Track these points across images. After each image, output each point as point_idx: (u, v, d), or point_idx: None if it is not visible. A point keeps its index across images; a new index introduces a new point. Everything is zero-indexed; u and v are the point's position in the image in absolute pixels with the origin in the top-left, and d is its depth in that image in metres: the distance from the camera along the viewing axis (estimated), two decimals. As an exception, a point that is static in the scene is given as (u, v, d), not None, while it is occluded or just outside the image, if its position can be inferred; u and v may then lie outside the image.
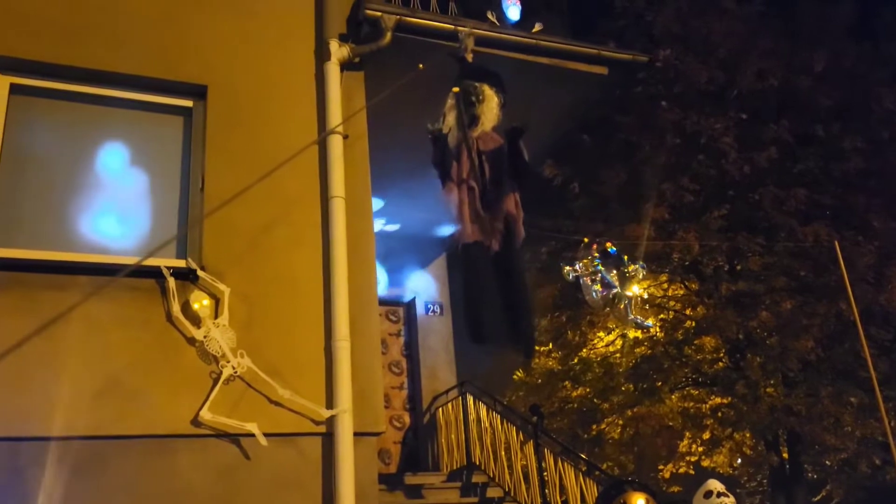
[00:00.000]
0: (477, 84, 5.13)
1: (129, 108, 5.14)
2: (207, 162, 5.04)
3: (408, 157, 7.55)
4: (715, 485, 4.12)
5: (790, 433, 12.84)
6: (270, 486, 4.50)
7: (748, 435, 14.11)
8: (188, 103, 5.26)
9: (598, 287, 6.04)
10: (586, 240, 6.79)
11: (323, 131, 5.29)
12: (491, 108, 5.13)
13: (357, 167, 5.41)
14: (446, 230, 9.59)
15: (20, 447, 4.07)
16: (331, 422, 4.64)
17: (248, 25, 5.57)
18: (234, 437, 4.48)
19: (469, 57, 5.34)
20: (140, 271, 4.55)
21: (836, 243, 9.63)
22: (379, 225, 9.39)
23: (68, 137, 5.01)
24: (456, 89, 5.06)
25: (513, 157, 5.06)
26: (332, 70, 5.48)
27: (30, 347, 4.09)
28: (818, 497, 16.44)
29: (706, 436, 14.48)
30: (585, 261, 6.06)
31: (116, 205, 4.92)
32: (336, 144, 5.25)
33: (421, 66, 4.89)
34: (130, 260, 4.66)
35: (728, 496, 4.05)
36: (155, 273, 4.57)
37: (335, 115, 5.32)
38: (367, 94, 5.71)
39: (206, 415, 4.36)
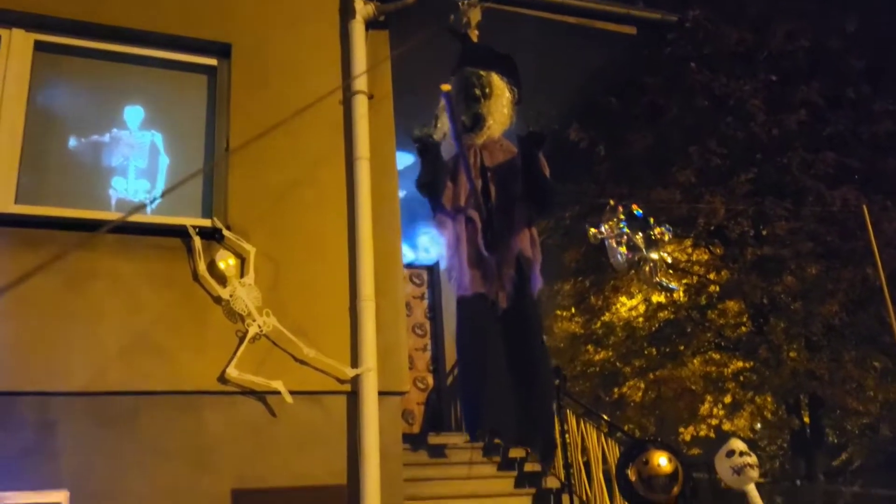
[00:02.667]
0: (483, 73, 4.03)
1: (153, 66, 5.11)
2: (232, 121, 5.02)
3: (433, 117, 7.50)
4: (737, 444, 4.11)
5: (812, 397, 12.83)
6: (296, 443, 4.55)
7: (769, 399, 14.12)
8: (212, 62, 5.23)
9: (623, 249, 5.96)
10: (612, 202, 6.70)
11: (348, 91, 5.24)
12: (501, 105, 3.99)
13: (382, 128, 5.36)
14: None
15: (50, 402, 4.14)
16: (356, 381, 4.67)
17: (272, -18, 5.50)
18: (261, 395, 4.52)
19: (473, 35, 4.28)
20: (166, 230, 4.59)
21: (865, 207, 9.47)
22: (410, 185, 9.36)
23: (94, 95, 5.01)
24: (446, 87, 3.81)
25: (529, 174, 3.86)
26: (357, 28, 5.41)
27: (59, 303, 4.21)
28: (838, 461, 16.44)
29: (727, 399, 14.51)
30: (611, 223, 5.97)
31: (141, 164, 4.93)
32: (361, 104, 5.21)
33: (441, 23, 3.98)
34: (157, 219, 4.70)
35: (750, 455, 4.04)
36: (181, 232, 4.59)
37: (360, 75, 5.26)
38: (393, 53, 5.64)
39: (232, 372, 4.41)
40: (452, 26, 4.18)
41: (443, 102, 3.88)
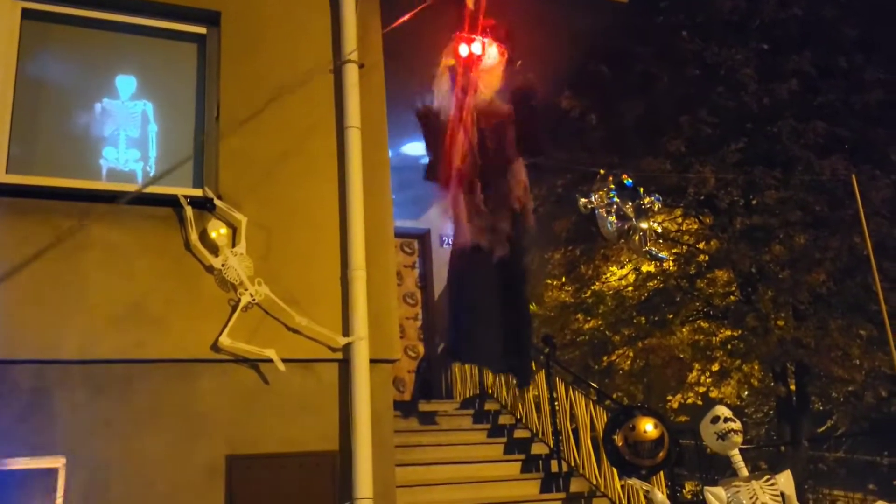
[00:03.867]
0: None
1: (142, 34, 5.09)
2: (222, 90, 5.02)
3: (427, 87, 7.48)
4: (722, 410, 4.21)
5: (798, 365, 12.99)
6: (289, 409, 4.62)
7: (756, 367, 14.29)
8: (202, 30, 5.20)
9: (612, 219, 6.03)
10: (602, 172, 6.75)
11: (338, 59, 5.23)
12: (494, 69, 4.21)
13: (373, 97, 5.36)
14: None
15: (45, 369, 4.19)
16: (347, 349, 4.73)
17: (261, -51, 5.45)
18: (253, 363, 4.58)
19: (470, 3, 4.56)
20: (158, 200, 4.60)
21: (854, 177, 9.53)
22: (401, 155, 9.36)
23: (83, 64, 4.99)
24: (451, 62, 4.11)
25: (524, 127, 4.18)
26: (348, -4, 5.38)
27: (52, 273, 4.23)
28: (823, 428, 16.71)
29: (715, 367, 14.68)
30: (601, 193, 6.03)
31: (132, 133, 4.92)
32: (351, 73, 5.20)
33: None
34: (148, 188, 4.70)
35: (735, 421, 4.13)
36: (172, 202, 4.61)
37: (350, 43, 5.25)
38: (383, 22, 5.61)
39: (225, 340, 4.46)
40: None
41: (442, 68, 4.14)
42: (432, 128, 4.27)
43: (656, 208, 6.18)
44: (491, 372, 5.56)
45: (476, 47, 4.47)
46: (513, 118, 4.16)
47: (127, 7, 5.00)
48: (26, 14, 4.77)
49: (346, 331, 4.76)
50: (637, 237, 6.06)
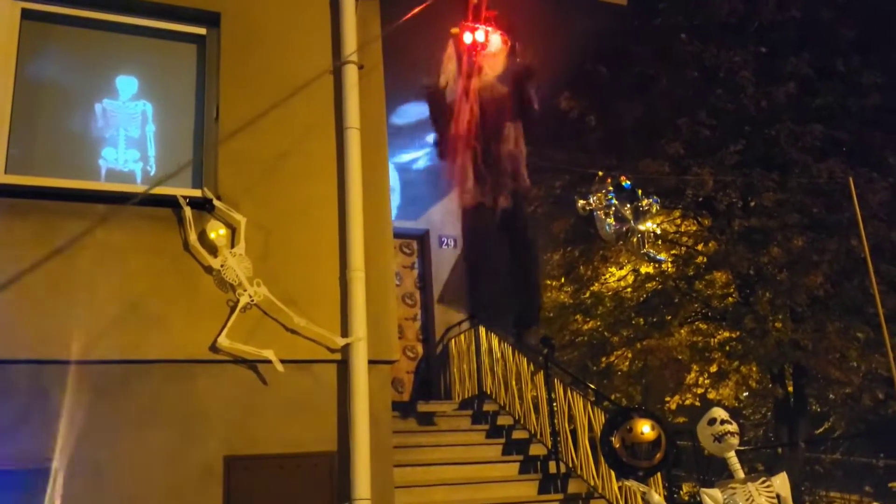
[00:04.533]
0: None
1: (142, 35, 5.10)
2: (222, 91, 5.03)
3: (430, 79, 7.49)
4: (719, 412, 4.21)
5: (796, 367, 13.01)
6: (287, 410, 4.63)
7: (754, 368, 14.31)
8: (202, 31, 5.21)
9: (611, 221, 6.05)
10: (601, 174, 6.77)
11: (338, 61, 5.24)
12: (496, 55, 4.79)
13: (372, 98, 5.37)
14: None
15: (42, 370, 4.19)
16: (346, 349, 4.74)
17: (261, -50, 5.46)
18: (252, 364, 4.59)
19: None
20: (157, 200, 4.60)
21: (851, 179, 9.55)
22: (401, 156, 9.40)
23: (83, 64, 5.00)
24: (455, 30, 4.78)
25: (521, 104, 4.78)
26: (348, -2, 5.40)
27: (50, 273, 4.23)
28: (821, 430, 16.73)
29: (713, 369, 14.69)
30: (600, 194, 6.06)
31: (131, 134, 4.93)
32: (351, 74, 5.21)
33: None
34: (148, 189, 4.71)
35: (731, 423, 4.14)
36: (171, 202, 4.61)
37: (350, 45, 5.26)
38: (383, 23, 5.62)
39: (223, 341, 4.47)
40: None
41: (449, 49, 4.65)
42: (439, 105, 4.84)
43: (654, 210, 6.21)
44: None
45: (480, 35, 4.89)
46: (510, 96, 4.74)
47: (127, 8, 5.01)
48: (26, 14, 4.78)
49: (345, 331, 4.77)
50: (635, 239, 6.09)
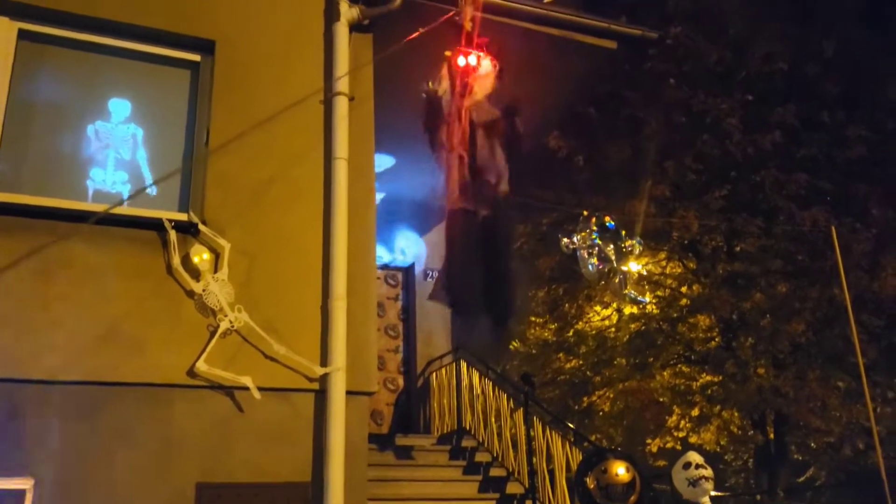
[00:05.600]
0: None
1: (137, 59, 5.14)
2: (213, 117, 5.07)
3: (413, 123, 7.57)
4: (694, 457, 4.22)
5: (777, 414, 13.03)
6: (262, 439, 4.60)
7: (736, 414, 14.31)
8: (196, 57, 5.26)
9: (594, 260, 6.10)
10: (586, 212, 6.83)
11: (329, 92, 5.30)
12: (486, 77, 5.18)
13: (361, 129, 5.43)
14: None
15: (18, 389, 4.16)
16: (324, 379, 4.73)
17: (259, -18, 5.55)
18: (229, 390, 4.56)
19: (468, 25, 5.32)
20: (142, 222, 4.62)
21: (833, 229, 9.67)
22: (388, 188, 9.44)
23: (75, 86, 5.03)
24: (448, 53, 5.18)
25: (507, 129, 5.20)
26: (341, 31, 5.47)
27: (31, 291, 4.22)
28: (802, 478, 16.69)
29: (695, 412, 14.68)
30: (583, 233, 6.11)
31: (121, 156, 4.95)
32: (341, 106, 5.26)
33: (421, 29, 5.01)
34: (133, 211, 4.72)
35: (706, 468, 4.15)
36: (156, 225, 4.62)
37: (342, 76, 5.32)
38: (375, 56, 5.70)
39: (201, 366, 4.45)
40: (454, 18, 5.27)
41: (445, 68, 5.11)
42: (433, 114, 5.25)
43: (637, 251, 6.26)
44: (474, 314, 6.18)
45: (472, 59, 5.33)
46: (498, 115, 5.18)
47: (124, 32, 5.06)
48: (22, 35, 4.82)
49: (325, 361, 4.76)
50: (617, 279, 6.12)
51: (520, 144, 5.39)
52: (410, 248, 10.16)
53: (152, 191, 4.89)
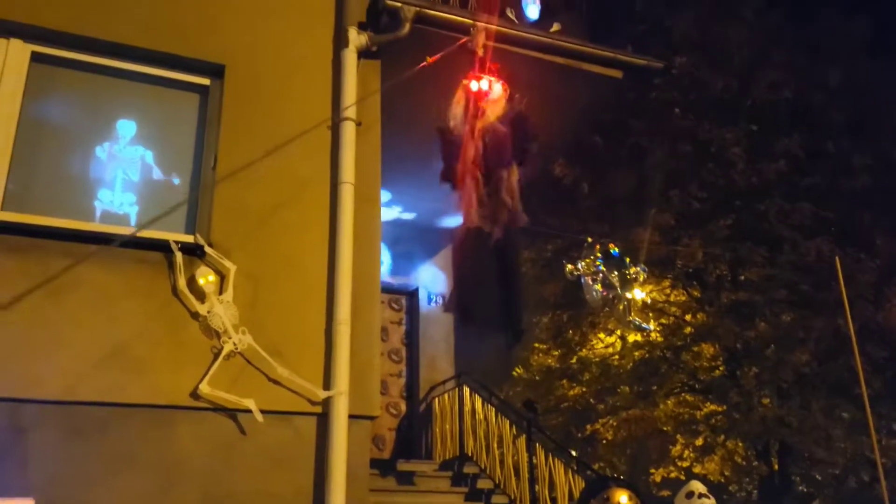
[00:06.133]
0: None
1: (147, 82, 5.20)
2: (221, 141, 5.11)
3: (420, 148, 7.63)
4: (697, 486, 4.19)
5: (781, 444, 12.93)
6: (264, 461, 4.58)
7: (741, 444, 14.21)
8: (206, 81, 5.32)
9: (598, 287, 6.11)
10: (590, 239, 6.86)
11: (337, 117, 5.35)
12: (498, 101, 5.46)
13: (368, 154, 5.47)
14: (453, 222, 9.65)
15: (22, 408, 4.16)
16: (327, 403, 4.72)
17: (270, 8, 5.62)
18: (232, 412, 4.56)
19: (479, 51, 5.55)
20: (149, 244, 4.64)
21: (838, 259, 9.66)
22: (394, 213, 9.50)
23: (86, 108, 5.08)
24: (465, 81, 5.38)
25: (519, 142, 5.48)
26: (350, 57, 5.54)
27: (38, 311, 4.23)
28: (807, 510, 16.50)
29: (699, 442, 14.57)
30: (588, 260, 6.14)
31: (129, 177, 4.99)
32: (349, 131, 5.31)
33: (429, 58, 5.15)
34: (141, 232, 4.74)
35: (709, 497, 4.11)
36: (163, 246, 4.65)
37: (350, 102, 5.37)
38: (383, 82, 5.76)
39: (205, 388, 4.45)
40: (466, 45, 5.58)
41: (458, 94, 5.41)
42: (448, 140, 5.49)
43: (642, 279, 6.27)
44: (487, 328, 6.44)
45: (484, 84, 5.62)
46: (509, 137, 5.44)
47: (135, 56, 5.12)
48: (35, 57, 4.89)
49: (327, 384, 4.76)
50: (621, 306, 6.13)
51: (531, 163, 5.67)
52: (414, 273, 10.15)
53: (161, 212, 4.91)
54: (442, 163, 5.57)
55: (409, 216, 9.77)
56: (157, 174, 5.08)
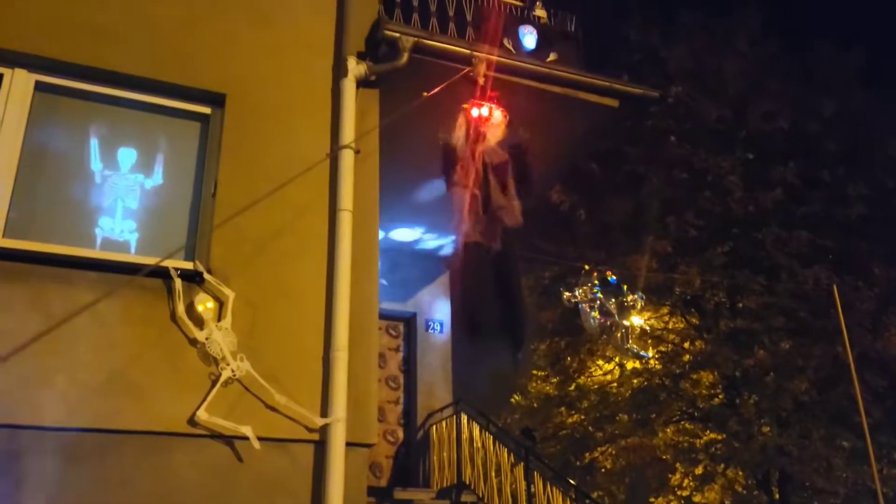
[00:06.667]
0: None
1: (148, 111, 5.26)
2: (221, 168, 5.16)
3: (417, 175, 7.71)
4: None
5: (782, 473, 12.86)
6: (261, 489, 4.56)
7: (741, 473, 14.13)
8: (206, 110, 5.39)
9: (596, 314, 6.13)
10: (587, 267, 6.89)
11: (336, 145, 5.41)
12: (497, 126, 5.77)
13: (366, 182, 5.52)
14: (450, 247, 9.70)
15: (19, 434, 4.15)
16: (324, 430, 4.71)
17: (270, 38, 5.71)
18: (229, 439, 4.55)
19: (481, 80, 5.78)
20: (148, 270, 4.66)
21: (835, 287, 9.71)
22: (392, 239, 9.55)
23: (88, 136, 5.13)
24: (466, 106, 5.69)
25: (517, 167, 5.75)
26: (349, 86, 5.61)
27: (36, 337, 4.23)
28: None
29: (699, 471, 14.49)
30: (585, 288, 6.17)
31: (129, 205, 5.03)
32: (347, 159, 5.36)
33: (425, 94, 5.36)
34: (140, 259, 4.78)
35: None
36: (162, 273, 4.66)
37: (348, 131, 5.44)
38: (382, 111, 5.83)
39: (202, 415, 4.45)
40: (468, 74, 5.85)
41: (460, 119, 5.67)
42: (450, 160, 5.77)
43: (639, 306, 6.29)
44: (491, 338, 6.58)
45: (485, 110, 5.89)
46: (508, 160, 5.74)
47: (137, 85, 5.19)
48: (39, 86, 4.96)
49: (325, 412, 4.75)
50: (619, 334, 6.15)
51: (529, 181, 5.91)
52: (412, 300, 10.18)
53: (160, 239, 4.95)
54: (444, 178, 5.89)
55: (406, 241, 9.82)
56: (157, 201, 5.12)
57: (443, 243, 9.89)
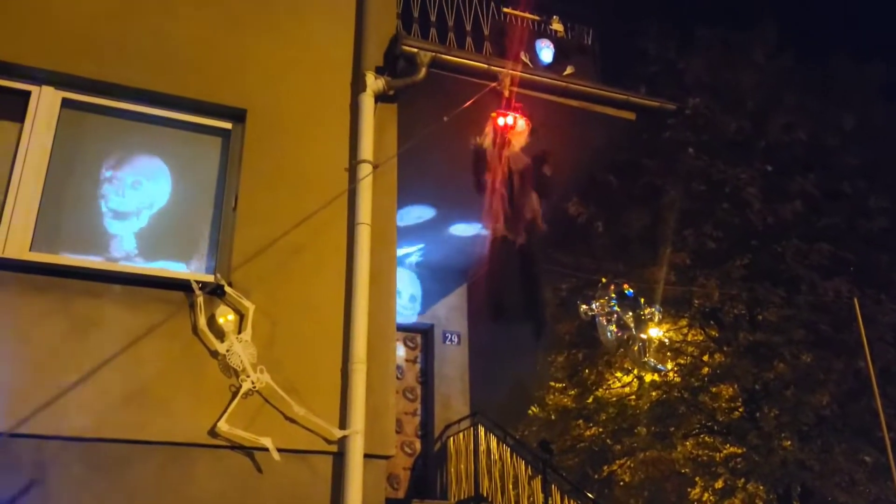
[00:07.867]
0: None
1: (172, 126, 5.36)
2: (242, 183, 5.24)
3: (436, 189, 7.76)
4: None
5: (803, 488, 12.72)
6: (281, 500, 4.61)
7: (761, 487, 13.99)
8: (228, 125, 5.48)
9: (613, 327, 6.14)
10: (604, 280, 6.91)
11: (354, 160, 5.48)
12: (521, 134, 6.21)
13: (385, 196, 5.58)
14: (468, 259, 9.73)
15: (45, 445, 4.23)
16: (343, 442, 4.76)
17: (290, 54, 5.80)
18: (249, 451, 4.60)
19: (506, 93, 6.10)
20: (171, 283, 4.75)
21: (856, 300, 9.63)
22: (409, 251, 9.62)
23: (112, 151, 5.24)
24: (494, 114, 6.10)
25: (538, 174, 6.25)
26: (367, 101, 5.68)
27: (61, 349, 4.33)
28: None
29: (719, 484, 14.34)
30: (602, 300, 6.18)
31: (153, 218, 5.13)
32: (366, 173, 5.43)
33: (445, 118, 5.58)
34: (162, 272, 4.86)
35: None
36: (184, 286, 4.75)
37: (367, 145, 5.50)
38: (400, 125, 5.90)
39: (223, 426, 4.51)
40: (495, 88, 6.15)
41: (487, 127, 6.10)
42: (479, 164, 6.20)
43: (656, 319, 6.29)
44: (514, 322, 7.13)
45: (510, 119, 6.19)
46: (531, 165, 6.23)
47: (160, 101, 5.29)
48: (66, 103, 5.07)
49: (343, 423, 4.80)
50: (636, 347, 6.15)
51: (550, 184, 6.39)
52: (430, 312, 10.21)
53: (183, 252, 5.04)
54: (475, 179, 6.29)
55: (424, 255, 9.86)
56: (179, 215, 5.21)
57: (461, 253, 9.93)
